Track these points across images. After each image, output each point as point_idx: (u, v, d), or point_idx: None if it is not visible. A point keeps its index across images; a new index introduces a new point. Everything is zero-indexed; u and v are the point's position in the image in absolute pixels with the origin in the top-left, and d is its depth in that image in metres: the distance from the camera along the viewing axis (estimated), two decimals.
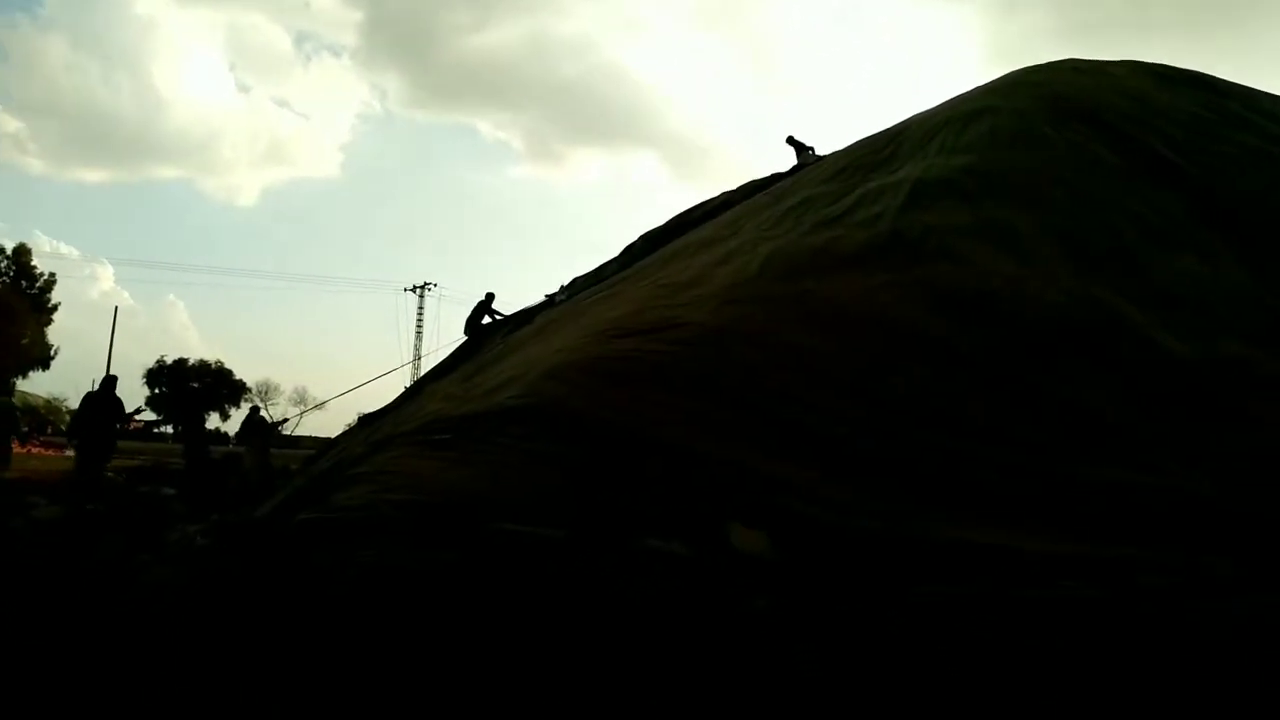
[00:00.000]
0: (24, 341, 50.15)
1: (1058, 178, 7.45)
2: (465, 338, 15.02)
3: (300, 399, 70.57)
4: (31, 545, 5.68)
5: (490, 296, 15.68)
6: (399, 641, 3.60)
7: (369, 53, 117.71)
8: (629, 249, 13.55)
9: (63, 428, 34.70)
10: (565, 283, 14.18)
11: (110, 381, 12.28)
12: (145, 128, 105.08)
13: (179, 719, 2.78)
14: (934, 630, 4.01)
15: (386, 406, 11.79)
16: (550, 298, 14.11)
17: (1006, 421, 5.48)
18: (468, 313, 16.84)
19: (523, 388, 5.87)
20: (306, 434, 63.10)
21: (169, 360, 66.91)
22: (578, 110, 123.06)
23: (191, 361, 68.45)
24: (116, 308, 53.66)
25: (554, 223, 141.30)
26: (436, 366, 12.91)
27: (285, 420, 41.71)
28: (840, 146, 11.20)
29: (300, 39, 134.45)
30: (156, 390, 62.72)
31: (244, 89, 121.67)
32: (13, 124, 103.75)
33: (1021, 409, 5.59)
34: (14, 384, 48.57)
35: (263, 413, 26.06)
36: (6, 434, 12.67)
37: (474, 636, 3.70)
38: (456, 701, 3.08)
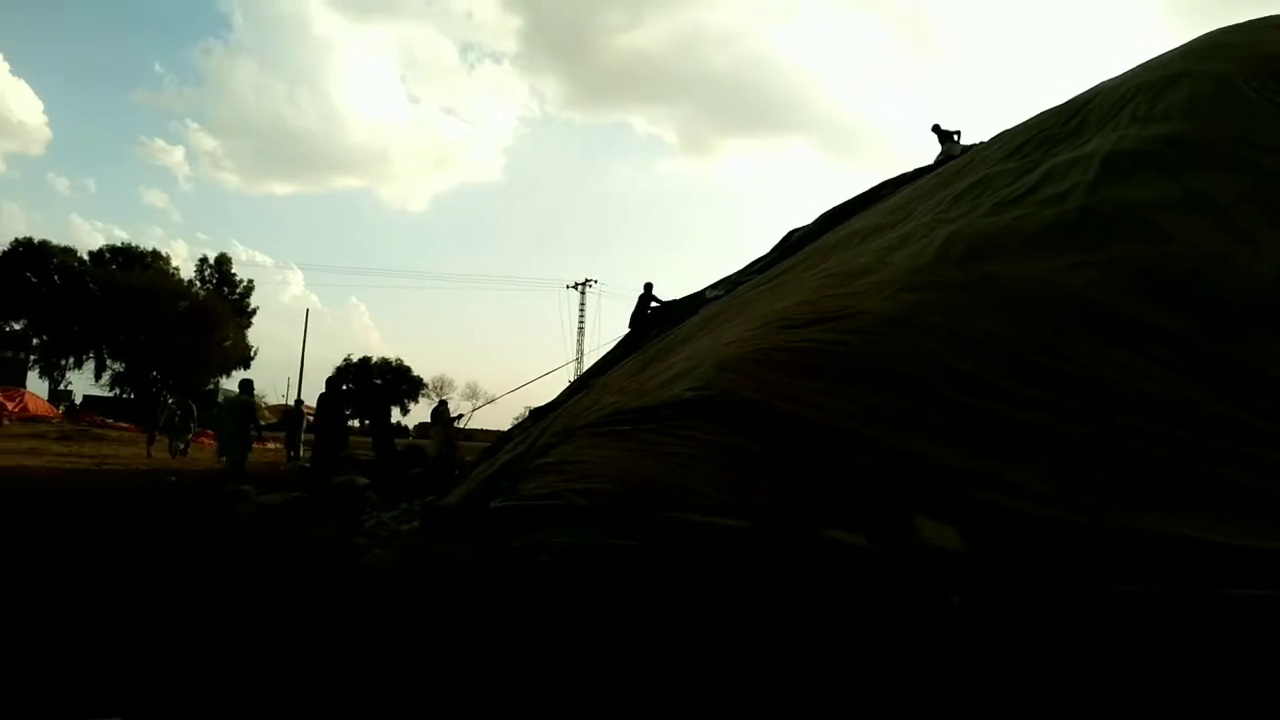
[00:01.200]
0: (226, 344, 55.02)
1: (1264, 144, 6.83)
2: (628, 330, 15.34)
3: (472, 394, 73.93)
4: (259, 527, 6.26)
5: (649, 286, 15.94)
6: (591, 621, 3.74)
7: (528, 57, 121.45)
8: (788, 238, 13.46)
9: (262, 423, 37.78)
10: (722, 277, 14.25)
11: (335, 381, 13.40)
12: (327, 141, 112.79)
13: (402, 683, 3.00)
14: (1139, 629, 3.79)
15: (555, 400, 12.21)
16: (703, 293, 14.20)
17: (1217, 407, 5.08)
18: (626, 308, 17.20)
19: (697, 380, 5.93)
20: (478, 427, 66.16)
21: (355, 358, 71.71)
22: (729, 101, 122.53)
23: (374, 359, 73.07)
24: (308, 310, 57.94)
25: (708, 214, 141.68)
26: (603, 359, 13.22)
27: (462, 415, 43.88)
28: (1006, 121, 10.70)
29: (465, 48, 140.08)
30: (346, 386, 67.24)
31: (414, 100, 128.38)
32: (210, 142, 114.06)
33: (1232, 393, 5.17)
34: (218, 382, 53.47)
35: (445, 405, 27.50)
36: (247, 429, 13.96)
37: (660, 620, 3.79)
38: (643, 681, 3.16)
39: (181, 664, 3.13)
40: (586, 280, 65.51)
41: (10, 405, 31.13)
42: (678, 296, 15.08)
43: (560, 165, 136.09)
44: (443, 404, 24.25)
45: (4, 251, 51.85)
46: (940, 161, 13.31)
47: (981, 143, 11.48)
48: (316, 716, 2.80)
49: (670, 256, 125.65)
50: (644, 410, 5.89)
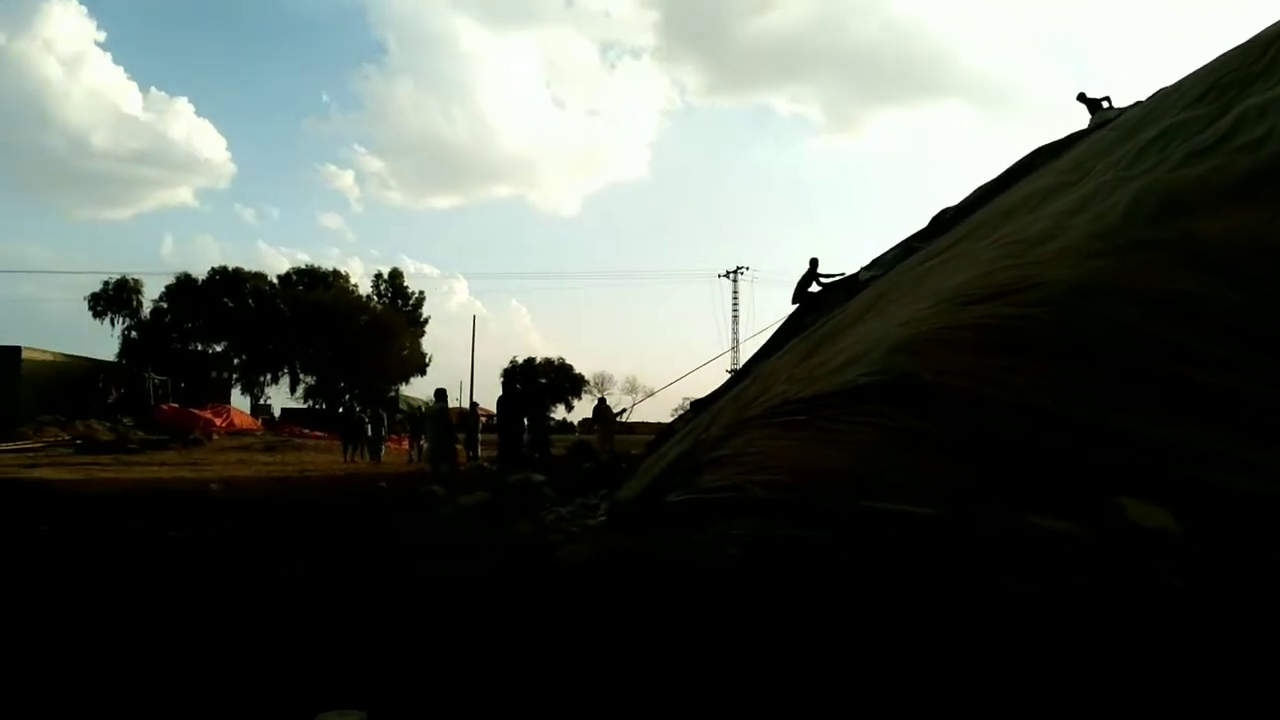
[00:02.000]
0: (404, 353, 58.35)
1: None
2: (793, 306, 15.13)
3: (632, 388, 75.43)
4: (462, 526, 6.64)
5: (814, 262, 15.62)
6: (781, 615, 3.73)
7: (667, 50, 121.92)
8: (940, 217, 12.90)
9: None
10: (875, 257, 13.79)
11: (510, 380, 14.13)
12: (480, 152, 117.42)
13: (599, 677, 3.10)
14: None
15: (716, 391, 12.23)
16: (862, 271, 13.79)
17: None
18: (780, 293, 16.95)
19: (872, 364, 5.78)
20: (639, 420, 67.31)
21: (520, 360, 74.53)
22: (873, 70, 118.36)
23: (538, 359, 75.69)
24: (474, 317, 60.57)
25: (861, 189, 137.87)
26: (763, 346, 13.10)
27: (624, 410, 44.72)
28: (1177, 69, 9.78)
29: (604, 47, 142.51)
30: (516, 385, 69.79)
31: (559, 104, 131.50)
32: (376, 164, 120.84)
33: None
34: (398, 390, 56.79)
35: (606, 402, 28.20)
36: (449, 435, 14.93)
37: (855, 612, 3.73)
38: (839, 676, 3.12)
39: (409, 658, 3.35)
40: (738, 268, 65.30)
41: (219, 421, 34.24)
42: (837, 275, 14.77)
43: (705, 154, 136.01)
44: (601, 401, 24.85)
45: (203, 280, 57.03)
46: (1096, 127, 12.44)
47: (1162, 89, 10.59)
48: (534, 707, 2.94)
49: (823, 237, 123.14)
50: (817, 398, 5.81)
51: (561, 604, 3.85)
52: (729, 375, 25.27)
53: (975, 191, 12.65)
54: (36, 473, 17.50)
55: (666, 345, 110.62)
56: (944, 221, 12.26)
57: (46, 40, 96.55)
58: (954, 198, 13.27)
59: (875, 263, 13.64)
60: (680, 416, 17.41)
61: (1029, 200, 8.53)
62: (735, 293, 64.96)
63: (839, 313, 10.13)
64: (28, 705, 3.07)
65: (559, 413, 74.84)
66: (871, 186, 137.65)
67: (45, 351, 35.27)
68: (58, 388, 33.53)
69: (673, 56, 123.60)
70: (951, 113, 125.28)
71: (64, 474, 17.34)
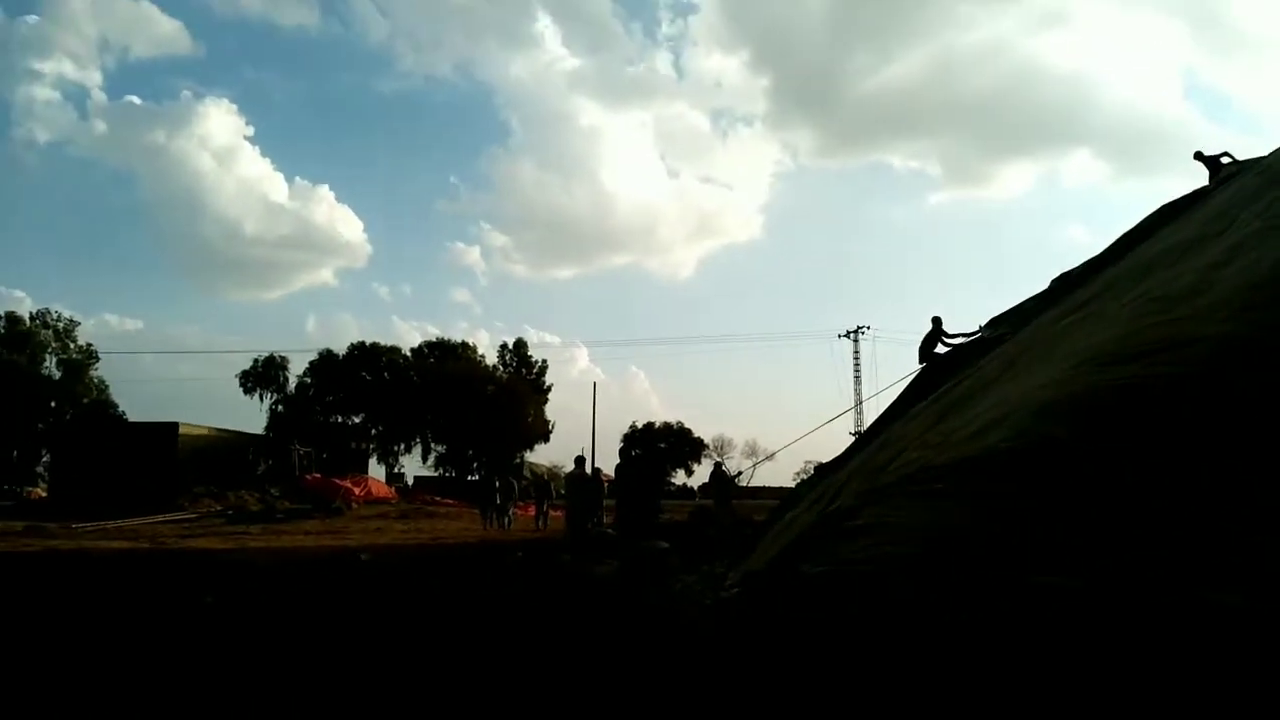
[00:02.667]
0: (529, 420, 59.75)
1: None
2: (918, 366, 14.79)
3: (752, 451, 74.76)
4: (596, 596, 6.74)
5: (938, 321, 15.27)
6: (934, 685, 3.63)
7: (778, 115, 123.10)
8: (1064, 277, 12.44)
9: (562, 491, 40.44)
10: (996, 314, 13.35)
11: (629, 446, 14.39)
12: (599, 224, 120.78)
13: None
14: None
15: (843, 454, 12.01)
16: (985, 330, 13.37)
17: None
18: (902, 352, 16.60)
19: (1013, 429, 5.62)
20: (760, 484, 66.47)
21: (639, 425, 75.13)
22: (996, 122, 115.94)
23: (657, 424, 76.10)
24: (594, 383, 61.74)
25: (986, 244, 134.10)
26: (892, 406, 12.82)
27: (741, 473, 44.30)
28: None
29: (716, 116, 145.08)
30: (634, 452, 70.30)
31: (673, 174, 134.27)
32: (501, 239, 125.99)
33: None
34: (523, 456, 58.10)
35: (723, 466, 28.10)
36: (590, 500, 15.27)
37: (1010, 686, 3.60)
38: None
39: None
40: (859, 328, 64.46)
41: (358, 490, 35.73)
42: (959, 336, 14.36)
43: (820, 215, 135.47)
44: (718, 466, 24.76)
45: (343, 355, 60.30)
46: (1218, 184, 11.88)
47: None
48: None
49: (946, 294, 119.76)
50: (956, 465, 5.67)
51: (701, 681, 3.86)
52: (853, 437, 24.77)
53: (1109, 247, 12.20)
54: (194, 543, 18.70)
55: (786, 407, 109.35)
56: (1066, 284, 11.87)
57: (201, 137, 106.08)
58: (1086, 252, 12.81)
59: (997, 320, 13.25)
60: (804, 480, 17.14)
61: (1169, 254, 8.19)
62: (856, 352, 64.09)
63: (970, 374, 9.87)
64: None
65: (679, 477, 74.68)
66: (997, 241, 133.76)
67: (200, 427, 37.79)
68: (211, 461, 35.81)
69: (784, 121, 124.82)
70: (1083, 163, 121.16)
71: (217, 543, 18.47)
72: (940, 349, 14.87)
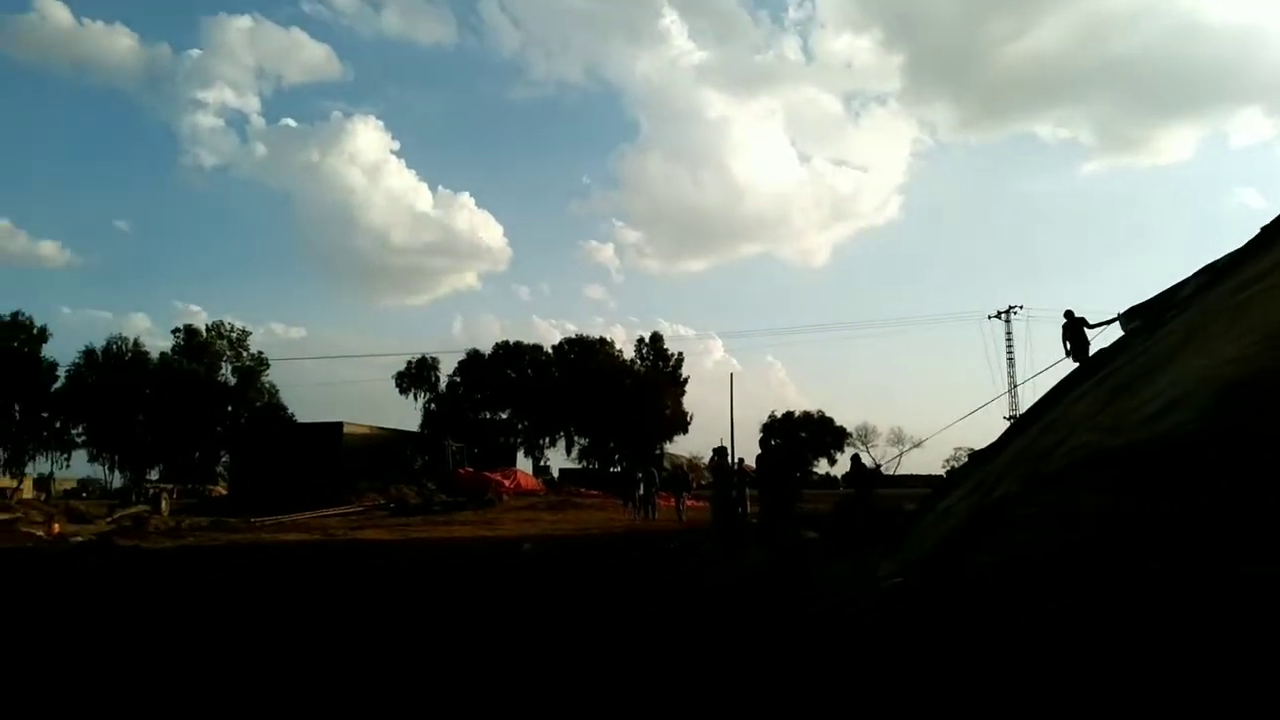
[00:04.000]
0: (667, 412, 60.28)
1: None
2: (1073, 362, 14.02)
3: (897, 439, 72.84)
4: (745, 588, 6.74)
5: (1069, 314, 14.52)
6: (1129, 690, 3.43)
7: (914, 91, 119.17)
8: (1263, 234, 11.36)
9: (702, 482, 40.53)
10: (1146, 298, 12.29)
11: (768, 436, 14.33)
12: (729, 214, 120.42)
13: None
14: None
15: (999, 439, 11.48)
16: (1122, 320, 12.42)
17: None
18: (1059, 332, 15.73)
19: (1195, 410, 5.22)
20: (907, 472, 64.53)
21: (778, 414, 74.44)
22: (1150, 84, 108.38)
23: (796, 413, 75.20)
24: (731, 374, 61.58)
25: (1147, 213, 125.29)
26: (1050, 392, 12.17)
27: (880, 464, 43.16)
28: None
29: (848, 98, 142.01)
30: (774, 441, 69.76)
31: (805, 159, 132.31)
32: (633, 235, 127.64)
33: None
34: (663, 448, 58.60)
35: (863, 457, 27.50)
36: (729, 490, 15.31)
37: (1216, 689, 3.36)
38: None
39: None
40: (1010, 308, 61.52)
41: (508, 483, 37.00)
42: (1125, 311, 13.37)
43: (962, 191, 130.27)
44: (855, 458, 24.25)
45: (489, 355, 62.57)
46: None
47: None
48: None
49: (1105, 268, 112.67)
50: (1133, 448, 5.32)
51: (866, 675, 3.80)
52: (1008, 422, 23.65)
53: None
54: (363, 534, 19.85)
55: (933, 393, 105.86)
56: (1266, 239, 10.85)
57: (351, 154, 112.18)
58: (1261, 218, 11.69)
59: (1135, 310, 12.22)
60: (958, 468, 16.49)
61: None
62: (1009, 334, 61.13)
63: (1141, 351, 9.24)
64: None
65: (821, 466, 73.58)
66: (1159, 209, 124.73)
67: (361, 425, 40.02)
68: (372, 457, 37.88)
69: (921, 97, 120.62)
70: (1249, 121, 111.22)
71: (385, 534, 19.54)
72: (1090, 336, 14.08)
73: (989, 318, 62.53)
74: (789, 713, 3.58)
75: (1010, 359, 59.91)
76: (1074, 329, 15.63)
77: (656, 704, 3.74)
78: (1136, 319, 11.61)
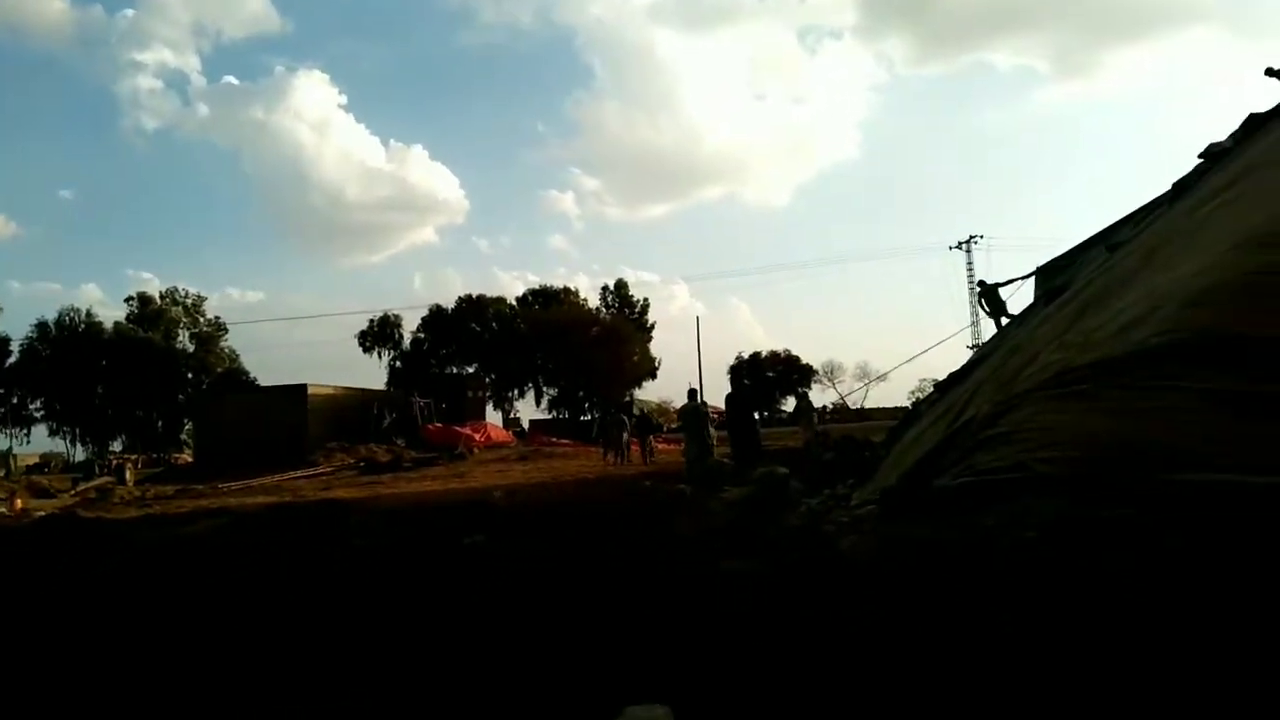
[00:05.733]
0: (635, 359, 60.26)
1: None
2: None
3: (863, 374, 73.65)
4: (733, 519, 6.73)
5: (983, 283, 14.99)
6: (1092, 603, 3.43)
7: (868, 25, 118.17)
8: (1211, 149, 11.35)
9: (672, 426, 40.75)
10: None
11: (737, 379, 14.32)
12: (689, 157, 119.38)
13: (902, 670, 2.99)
14: None
15: (964, 367, 11.55)
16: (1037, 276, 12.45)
17: None
18: (1020, 260, 15.99)
19: (1164, 322, 5.21)
20: (874, 405, 65.36)
21: (745, 355, 74.88)
22: (1105, 6, 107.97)
23: (764, 354, 75.69)
24: (697, 318, 61.58)
25: (1101, 139, 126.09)
26: (1018, 316, 12.22)
27: (832, 404, 43.79)
28: None
29: (802, 34, 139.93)
30: (745, 381, 70.15)
31: (761, 97, 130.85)
32: (592, 183, 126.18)
33: None
34: (632, 394, 58.73)
35: (810, 395, 28.24)
36: (704, 432, 15.27)
37: (1177, 600, 3.37)
38: (1166, 671, 2.80)
39: (709, 653, 3.41)
40: (971, 237, 62.00)
41: (478, 436, 36.94)
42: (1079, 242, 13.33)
43: (922, 125, 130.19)
44: (804, 395, 24.80)
45: (452, 309, 61.95)
46: None
47: None
48: (837, 701, 2.89)
49: (1061, 196, 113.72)
50: (1102, 364, 5.31)
51: (857, 594, 3.78)
52: (971, 351, 23.89)
53: (1248, 120, 11.12)
54: (332, 493, 19.67)
55: (897, 328, 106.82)
56: (1215, 155, 10.87)
57: (297, 110, 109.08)
58: (1210, 136, 11.71)
59: (1050, 267, 12.23)
60: (925, 399, 16.67)
61: None
62: (970, 264, 61.70)
63: (1100, 271, 9.26)
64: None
65: (789, 405, 74.26)
66: (1113, 134, 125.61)
67: (326, 386, 39.51)
68: (338, 417, 37.49)
69: (876, 31, 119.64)
70: (1200, 42, 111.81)
71: (355, 492, 19.38)
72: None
73: (950, 249, 63.12)
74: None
75: (972, 289, 60.53)
76: (989, 294, 16.33)
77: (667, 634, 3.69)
78: (1055, 277, 11.61)
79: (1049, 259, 12.55)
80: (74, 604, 5.62)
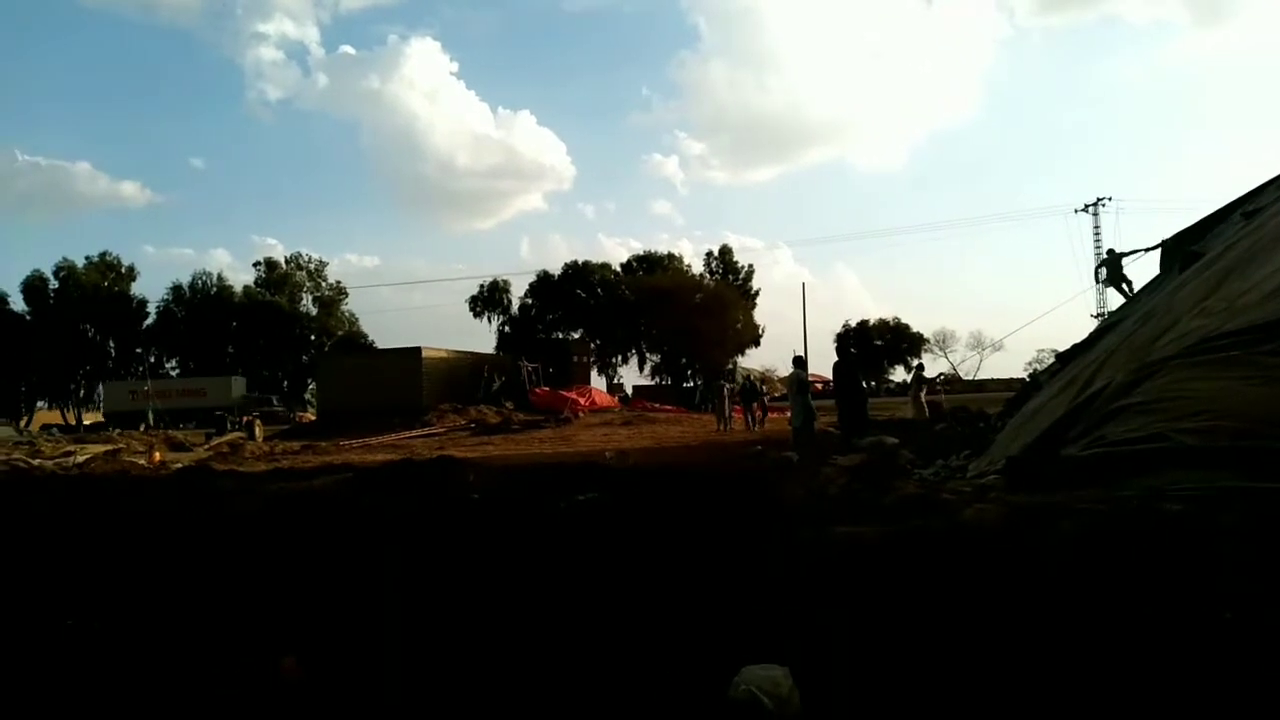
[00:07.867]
0: (738, 325, 59.80)
1: None
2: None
3: (977, 342, 71.22)
4: (844, 487, 6.67)
5: (1112, 252, 14.35)
6: (1242, 576, 3.26)
7: None
8: None
9: (776, 394, 40.39)
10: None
11: (843, 345, 14.10)
12: (797, 119, 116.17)
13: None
14: None
15: (1090, 336, 11.04)
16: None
17: None
18: (1152, 222, 15.32)
19: None
20: (988, 376, 63.22)
21: (853, 323, 73.41)
22: None
23: (871, 321, 74.03)
24: (803, 284, 60.47)
25: (1244, 93, 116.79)
26: (1151, 282, 11.60)
27: (940, 376, 42.39)
28: None
29: None
30: (850, 349, 68.76)
31: (876, 55, 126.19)
32: (697, 146, 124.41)
33: None
34: (735, 361, 58.47)
35: (922, 363, 27.47)
36: (807, 399, 15.15)
37: None
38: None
39: (831, 617, 3.40)
40: (1098, 199, 58.69)
41: (583, 401, 37.47)
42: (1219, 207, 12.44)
43: (1047, 80, 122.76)
44: (919, 367, 24.06)
45: (559, 275, 62.80)
46: None
47: None
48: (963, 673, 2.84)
49: (1203, 153, 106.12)
50: (1252, 330, 5.00)
51: (981, 563, 3.68)
52: (1096, 320, 22.77)
53: None
54: (446, 452, 20.36)
55: (1017, 294, 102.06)
56: None
57: (411, 79, 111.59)
58: None
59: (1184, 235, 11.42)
60: (1045, 369, 16.02)
61: None
62: (1097, 227, 58.37)
63: (1241, 236, 8.66)
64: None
65: (898, 374, 72.59)
66: (1263, 85, 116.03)
67: (439, 349, 40.75)
68: (450, 380, 38.66)
69: None
70: None
71: (467, 452, 20.01)
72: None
73: (1075, 211, 59.93)
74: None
75: (1098, 254, 57.50)
76: (1113, 263, 15.70)
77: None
78: (1187, 244, 10.90)
79: (1177, 230, 11.88)
80: (218, 542, 6.02)
